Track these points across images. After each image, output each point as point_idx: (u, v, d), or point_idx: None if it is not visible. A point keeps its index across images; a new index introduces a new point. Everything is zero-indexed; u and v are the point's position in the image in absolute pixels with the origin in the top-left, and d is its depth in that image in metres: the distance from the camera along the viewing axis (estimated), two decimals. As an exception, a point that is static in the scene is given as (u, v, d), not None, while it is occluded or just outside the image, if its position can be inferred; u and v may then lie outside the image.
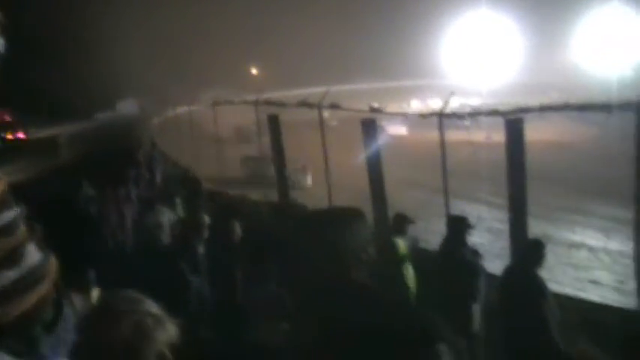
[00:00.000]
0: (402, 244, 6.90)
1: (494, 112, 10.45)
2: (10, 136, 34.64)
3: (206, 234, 7.18)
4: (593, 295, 10.62)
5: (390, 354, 2.58)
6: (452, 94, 11.71)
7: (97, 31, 54.36)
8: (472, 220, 7.79)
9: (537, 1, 61.41)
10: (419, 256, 7.29)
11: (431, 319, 2.83)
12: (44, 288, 1.59)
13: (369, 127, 11.94)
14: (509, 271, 7.02)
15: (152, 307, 2.26)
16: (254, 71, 77.60)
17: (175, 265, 6.86)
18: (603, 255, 13.05)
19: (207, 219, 7.28)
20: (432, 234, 10.00)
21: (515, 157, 9.56)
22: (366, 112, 13.26)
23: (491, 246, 11.86)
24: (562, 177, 18.65)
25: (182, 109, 29.65)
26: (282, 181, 15.41)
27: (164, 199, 9.28)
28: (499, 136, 10.08)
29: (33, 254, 1.65)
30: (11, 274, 1.49)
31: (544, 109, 10.18)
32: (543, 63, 58.70)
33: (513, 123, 9.60)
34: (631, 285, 9.06)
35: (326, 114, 16.26)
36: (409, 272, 6.77)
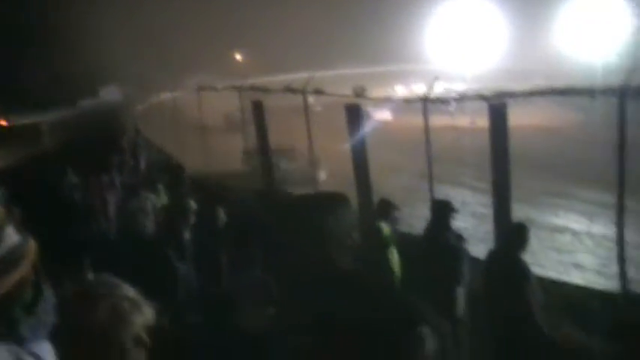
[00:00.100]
0: (386, 229, 6.92)
1: (478, 97, 10.47)
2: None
3: (192, 220, 7.18)
4: (577, 278, 10.70)
5: (374, 338, 2.59)
6: (436, 79, 11.72)
7: (80, 19, 53.91)
8: (456, 204, 7.82)
9: (521, -14, 61.53)
10: (403, 240, 7.31)
11: (415, 303, 2.84)
12: (23, 269, 1.59)
13: (353, 112, 11.93)
14: (492, 255, 7.06)
15: (129, 291, 2.27)
16: (238, 57, 77.31)
17: (161, 251, 6.85)
18: (587, 239, 13.14)
19: (193, 205, 7.27)
20: (416, 219, 10.03)
21: (499, 141, 9.60)
22: (351, 98, 13.26)
23: (475, 230, 11.92)
24: (546, 162, 18.73)
25: (166, 96, 29.47)
26: (267, 167, 15.39)
27: (148, 185, 9.25)
28: (483, 122, 10.11)
29: (11, 236, 1.65)
30: None
31: (528, 93, 10.21)
32: (527, 48, 58.81)
33: (497, 108, 9.62)
34: (614, 268, 9.14)
35: (311, 99, 16.24)
36: (394, 257, 6.80)
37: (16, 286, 1.60)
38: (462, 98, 11.75)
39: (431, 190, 11.17)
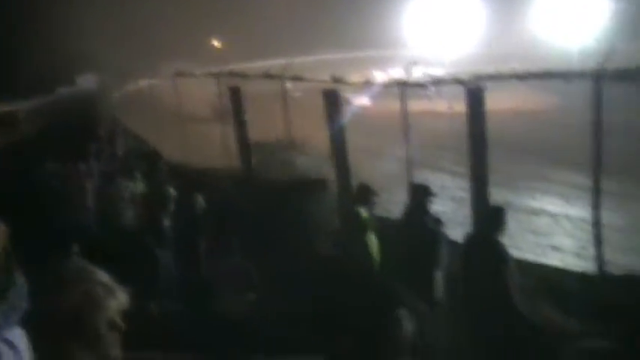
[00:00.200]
0: (365, 213, 6.95)
1: (455, 81, 10.50)
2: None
3: (171, 207, 7.17)
4: (555, 260, 10.78)
5: (353, 320, 2.61)
6: (414, 63, 11.75)
7: (58, 7, 53.33)
8: (435, 189, 7.86)
9: (497, -30, 61.53)
10: (382, 225, 7.34)
11: (392, 287, 2.87)
12: None
13: (331, 98, 11.92)
14: (471, 239, 7.11)
15: (102, 276, 2.28)
16: (216, 43, 76.86)
17: (141, 239, 6.83)
18: (564, 221, 13.21)
19: (171, 192, 7.25)
20: (395, 203, 10.06)
21: (476, 125, 9.64)
22: (329, 83, 13.24)
23: (454, 214, 11.95)
24: (523, 145, 18.79)
25: (144, 83, 29.21)
26: (245, 153, 15.36)
27: (125, 173, 9.22)
28: (461, 106, 10.14)
29: None
30: None
31: (505, 77, 10.25)
32: (504, 32, 58.92)
33: (474, 92, 9.66)
34: (591, 250, 9.23)
35: (289, 85, 16.20)
36: (372, 241, 6.83)
37: None
38: (439, 82, 11.78)
39: (409, 174, 11.20)
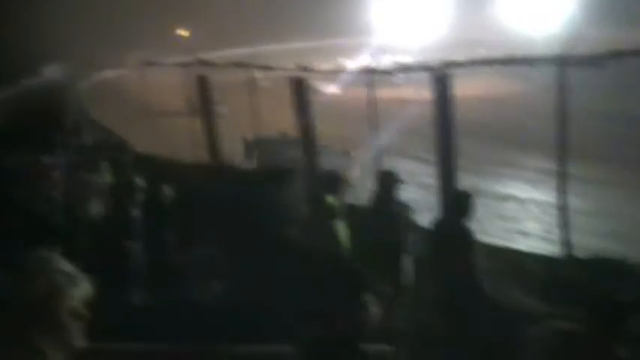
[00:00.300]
0: (333, 200, 6.96)
1: (422, 68, 10.55)
2: None
3: (139, 198, 7.14)
4: (522, 245, 10.92)
5: (319, 306, 2.63)
6: (382, 51, 11.77)
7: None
8: (404, 175, 7.89)
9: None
10: (350, 211, 7.36)
11: (359, 273, 2.88)
12: None
13: (299, 86, 11.89)
14: (439, 224, 7.16)
15: (65, 265, 2.27)
16: (184, 32, 76.26)
17: (109, 230, 6.81)
18: (531, 206, 13.39)
19: (139, 183, 7.22)
20: (363, 190, 10.10)
21: (444, 112, 9.68)
22: (298, 71, 13.21)
23: (423, 200, 12.03)
24: (491, 131, 18.98)
25: (111, 73, 28.96)
26: (213, 143, 15.27)
27: (93, 164, 9.14)
28: (429, 93, 10.19)
29: None
30: None
31: (472, 64, 10.33)
32: (471, 19, 59.27)
33: (441, 78, 9.70)
34: (558, 234, 9.36)
35: (258, 74, 16.14)
36: (340, 228, 6.84)
37: None
38: (406, 70, 11.83)
39: (377, 161, 11.24)
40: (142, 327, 5.46)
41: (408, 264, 7.17)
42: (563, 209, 9.02)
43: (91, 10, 59.35)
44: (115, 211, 7.06)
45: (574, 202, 9.38)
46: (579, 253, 9.07)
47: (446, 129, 9.71)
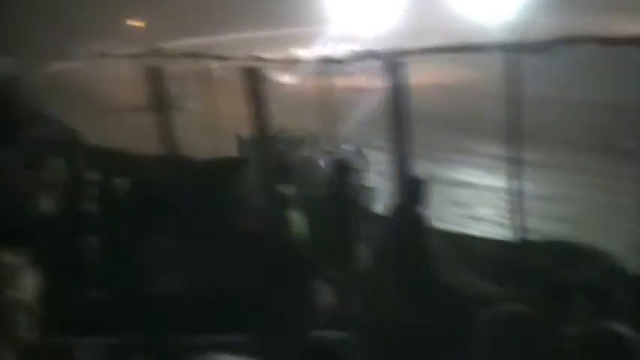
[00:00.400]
0: (287, 190, 6.97)
1: (376, 56, 10.57)
2: None
3: (93, 191, 7.08)
4: (476, 230, 11.05)
5: (270, 294, 2.64)
6: (337, 40, 11.77)
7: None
8: (361, 163, 7.93)
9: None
10: (306, 201, 7.38)
11: (311, 260, 2.90)
12: None
13: (252, 76, 11.82)
14: (394, 211, 7.21)
15: (6, 257, 2.23)
16: (138, 23, 75.31)
17: (63, 224, 6.73)
18: (485, 192, 13.53)
19: (93, 176, 7.16)
20: (319, 179, 10.11)
21: (398, 100, 9.74)
22: (252, 61, 13.14)
23: (379, 188, 12.09)
24: (445, 118, 19.10)
25: (63, 65, 28.48)
26: (169, 136, 15.12)
27: (45, 158, 9.03)
28: (384, 81, 10.22)
29: None
30: None
31: (425, 51, 10.39)
32: (425, 7, 59.50)
33: (394, 66, 9.75)
34: (512, 219, 9.48)
35: (213, 64, 16.00)
36: (295, 217, 6.86)
37: None
38: (359, 58, 11.83)
39: (333, 150, 11.25)
40: (99, 321, 5.42)
41: (362, 251, 7.21)
42: (517, 194, 9.14)
43: (42, 1, 58.24)
44: (68, 205, 6.98)
45: (528, 187, 9.51)
46: (533, 237, 9.20)
47: (399, 117, 9.77)
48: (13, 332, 2.15)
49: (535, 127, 9.49)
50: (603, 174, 13.42)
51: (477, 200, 13.29)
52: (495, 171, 14.07)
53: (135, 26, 72.83)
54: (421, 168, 10.61)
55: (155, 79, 15.06)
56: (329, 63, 11.47)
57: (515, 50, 8.78)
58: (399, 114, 9.73)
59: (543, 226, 10.01)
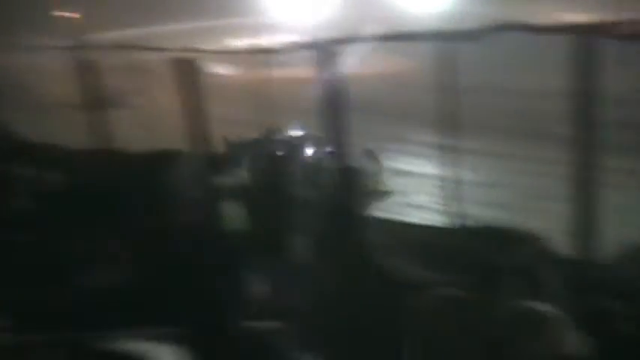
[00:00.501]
0: (224, 181, 6.95)
1: (310, 46, 10.58)
2: None
3: (22, 188, 6.96)
4: (414, 217, 11.18)
5: (207, 285, 2.66)
6: (273, 30, 11.75)
7: None
8: (298, 155, 7.95)
9: None
10: (243, 192, 7.38)
11: (244, 251, 2.91)
12: None
13: (185, 68, 11.70)
14: (330, 201, 7.26)
15: None
16: (66, 14, 73.68)
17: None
18: (422, 179, 13.68)
19: (24, 171, 7.04)
20: (258, 171, 10.09)
21: (334, 89, 9.78)
22: (188, 52, 12.99)
23: (320, 179, 12.09)
24: (381, 107, 19.18)
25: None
26: (102, 128, 14.87)
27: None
28: (320, 71, 10.23)
29: None
30: None
31: (360, 40, 10.43)
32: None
33: (329, 56, 9.78)
34: (450, 206, 9.64)
35: (149, 56, 15.77)
36: (231, 209, 6.85)
37: None
38: (294, 48, 11.82)
39: (272, 141, 11.25)
40: (37, 317, 5.36)
41: (298, 240, 7.23)
42: (452, 181, 9.30)
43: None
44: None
45: (465, 174, 9.68)
46: (468, 222, 9.36)
47: (335, 106, 9.82)
48: None
49: (467, 115, 9.64)
50: (533, 160, 13.70)
51: (415, 188, 13.44)
52: (432, 159, 14.25)
53: (66, 17, 71.23)
54: (358, 157, 10.70)
55: (89, 72, 14.78)
56: (265, 53, 11.43)
57: (449, 39, 8.90)
58: (334, 103, 9.77)
59: (478, 212, 10.18)
